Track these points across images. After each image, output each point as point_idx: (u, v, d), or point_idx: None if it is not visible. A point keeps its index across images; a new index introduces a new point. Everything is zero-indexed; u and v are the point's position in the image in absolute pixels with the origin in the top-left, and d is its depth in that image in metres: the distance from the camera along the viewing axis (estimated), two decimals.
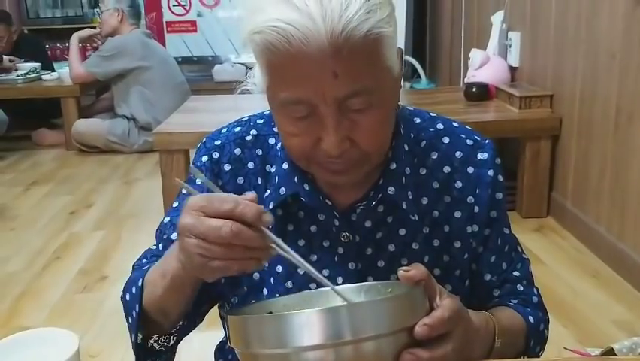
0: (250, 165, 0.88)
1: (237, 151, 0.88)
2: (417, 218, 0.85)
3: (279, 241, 0.66)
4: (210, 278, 0.68)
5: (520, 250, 0.95)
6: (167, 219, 0.90)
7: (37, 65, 4.82)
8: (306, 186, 0.83)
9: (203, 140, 0.92)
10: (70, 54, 4.43)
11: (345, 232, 0.85)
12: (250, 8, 0.70)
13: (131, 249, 2.67)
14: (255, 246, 0.64)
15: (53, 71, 4.94)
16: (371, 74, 0.71)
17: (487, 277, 0.90)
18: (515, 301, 0.91)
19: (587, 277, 2.36)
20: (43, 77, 4.71)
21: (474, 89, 3.20)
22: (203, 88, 5.03)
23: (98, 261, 2.64)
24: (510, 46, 3.32)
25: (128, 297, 0.82)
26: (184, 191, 0.67)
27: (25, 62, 4.86)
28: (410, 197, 0.84)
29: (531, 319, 0.89)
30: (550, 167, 2.90)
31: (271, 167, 0.87)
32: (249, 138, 0.89)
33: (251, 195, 0.66)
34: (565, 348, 1.74)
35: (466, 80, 3.47)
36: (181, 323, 0.82)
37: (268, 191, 0.86)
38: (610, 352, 1.29)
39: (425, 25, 5.12)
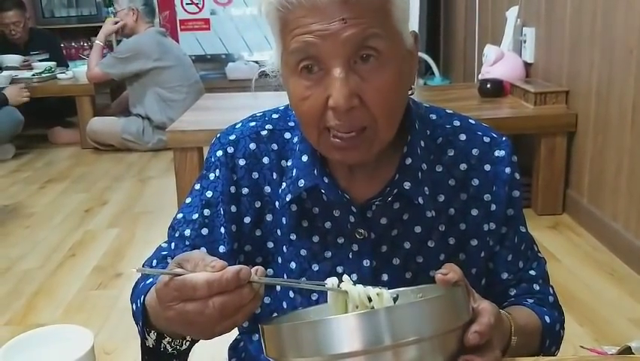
0: (265, 159, 0.87)
1: (252, 146, 0.88)
2: (434, 214, 0.84)
3: (267, 280, 0.66)
4: (224, 333, 0.68)
5: (535, 248, 0.94)
6: (180, 215, 0.90)
7: (52, 63, 4.87)
8: (326, 180, 0.82)
9: (218, 135, 0.91)
10: (93, 52, 4.45)
11: (360, 229, 0.84)
12: None
13: (146, 246, 2.69)
14: (245, 301, 0.64)
15: (67, 66, 4.98)
16: (380, 26, 0.72)
17: (504, 275, 0.90)
18: (531, 301, 0.91)
19: (603, 275, 2.33)
20: (59, 75, 4.75)
21: (488, 86, 3.18)
22: (217, 86, 5.05)
23: (113, 258, 2.66)
24: (525, 42, 3.30)
25: (134, 307, 0.81)
26: (134, 269, 0.65)
27: (39, 53, 4.90)
28: (427, 193, 0.83)
29: (547, 319, 0.89)
30: (566, 163, 2.87)
31: (286, 161, 0.87)
32: (264, 132, 0.88)
33: (220, 264, 0.63)
34: (581, 347, 1.72)
35: (480, 76, 3.44)
36: None
37: (284, 185, 0.85)
38: (627, 350, 1.28)
39: (439, 21, 5.09)
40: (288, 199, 0.84)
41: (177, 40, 5.52)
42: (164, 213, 3.09)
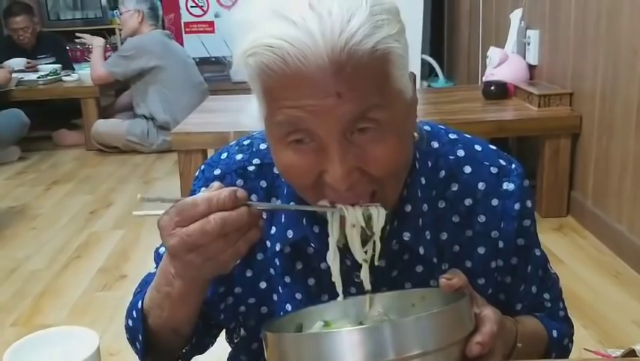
0: (253, 197, 0.80)
1: (239, 182, 0.81)
2: (436, 261, 0.78)
3: (264, 204, 0.69)
4: (227, 270, 0.69)
5: (549, 267, 0.90)
6: (162, 249, 0.86)
7: (57, 66, 4.89)
8: (316, 229, 0.76)
9: (202, 167, 0.84)
10: (94, 55, 4.48)
11: (357, 272, 0.76)
12: (242, 27, 0.64)
13: (150, 248, 2.65)
14: (246, 222, 0.64)
15: (73, 69, 5.00)
16: (379, 95, 0.63)
17: (518, 306, 0.86)
18: (541, 314, 0.89)
19: (607, 277, 2.33)
20: (64, 78, 4.78)
21: (492, 88, 3.18)
22: (221, 88, 5.05)
23: (118, 260, 2.67)
24: (529, 44, 3.29)
25: (131, 323, 0.80)
26: (139, 196, 0.65)
27: (46, 57, 4.93)
28: (428, 237, 0.78)
29: (555, 333, 0.87)
30: (570, 166, 2.87)
31: (276, 200, 0.80)
32: (251, 168, 0.81)
33: (217, 184, 0.66)
34: (585, 349, 1.72)
35: (484, 78, 3.44)
36: (193, 340, 0.80)
37: (274, 229, 0.80)
38: (631, 353, 1.28)
39: (443, 23, 5.09)
40: (277, 249, 0.79)
41: (182, 43, 5.53)
42: None
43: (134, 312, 0.78)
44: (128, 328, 0.81)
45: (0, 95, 4.31)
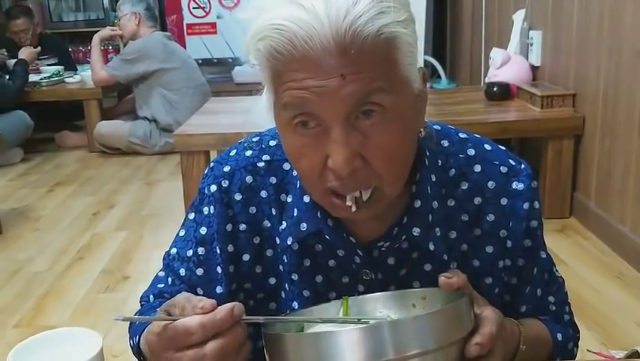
0: (263, 193, 0.81)
1: (249, 179, 0.81)
2: (445, 258, 0.79)
3: (259, 318, 0.66)
4: None
5: (554, 270, 0.90)
6: (174, 250, 0.86)
7: (60, 67, 4.90)
8: (330, 222, 0.77)
9: (211, 165, 0.85)
10: (92, 56, 4.50)
11: (366, 270, 0.79)
12: (253, 14, 0.66)
13: (153, 249, 2.70)
14: (243, 341, 0.63)
15: (75, 70, 5.03)
16: (385, 79, 0.64)
17: (523, 308, 0.87)
18: (546, 318, 0.89)
19: (610, 278, 2.32)
20: (66, 79, 4.79)
21: (495, 89, 3.17)
22: (223, 89, 5.05)
23: (121, 261, 2.67)
24: (531, 44, 3.29)
25: (132, 343, 0.80)
26: (113, 318, 0.62)
27: (48, 57, 4.95)
28: (438, 234, 0.78)
29: (559, 336, 0.87)
30: (573, 167, 2.86)
31: (286, 196, 0.81)
32: (261, 164, 0.82)
33: (208, 303, 0.62)
34: (588, 350, 1.72)
35: (486, 79, 3.44)
36: None
37: (284, 224, 0.80)
38: (635, 354, 1.27)
39: (445, 24, 5.09)
40: (289, 242, 0.79)
41: (184, 44, 5.54)
42: (172, 216, 3.10)
43: (135, 338, 0.77)
44: (130, 345, 0.80)
45: (3, 96, 4.30)
